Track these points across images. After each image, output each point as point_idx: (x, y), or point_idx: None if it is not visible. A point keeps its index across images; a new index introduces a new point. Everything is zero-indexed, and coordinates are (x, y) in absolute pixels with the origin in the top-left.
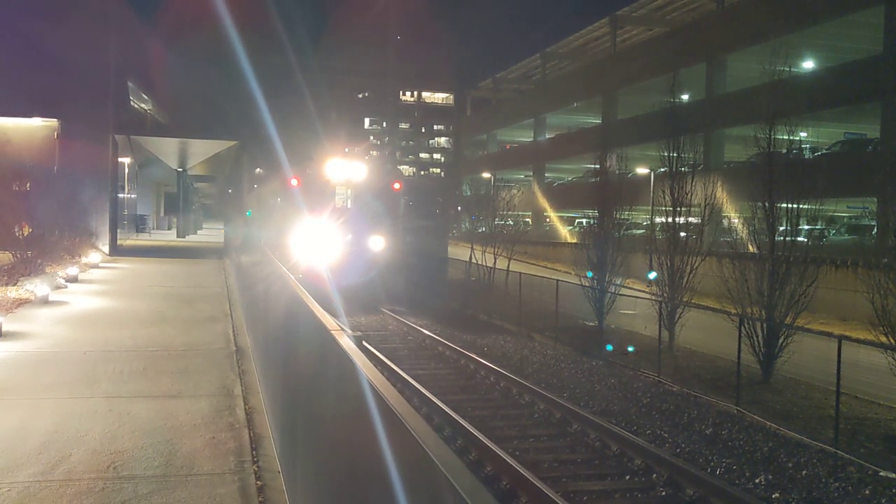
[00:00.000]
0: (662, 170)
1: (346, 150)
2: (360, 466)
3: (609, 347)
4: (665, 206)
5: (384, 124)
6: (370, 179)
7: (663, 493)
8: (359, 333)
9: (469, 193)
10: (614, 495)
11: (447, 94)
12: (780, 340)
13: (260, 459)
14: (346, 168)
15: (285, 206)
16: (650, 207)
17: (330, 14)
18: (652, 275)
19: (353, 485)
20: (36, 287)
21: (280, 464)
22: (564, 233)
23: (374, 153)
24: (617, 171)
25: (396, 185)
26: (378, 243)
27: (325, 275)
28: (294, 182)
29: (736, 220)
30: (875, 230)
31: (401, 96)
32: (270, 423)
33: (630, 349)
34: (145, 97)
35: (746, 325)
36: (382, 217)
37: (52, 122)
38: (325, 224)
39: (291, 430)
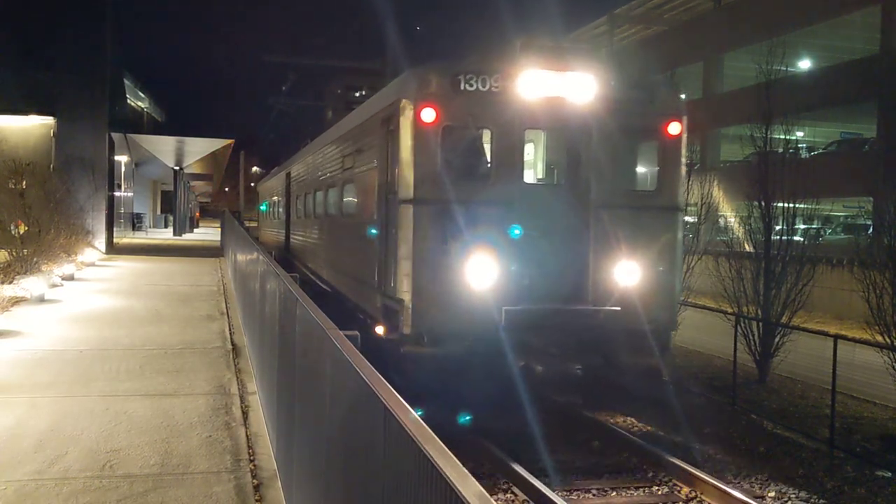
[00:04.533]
0: None
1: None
2: (357, 465)
3: None
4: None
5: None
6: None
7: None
8: (355, 332)
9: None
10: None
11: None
12: (777, 339)
13: (256, 458)
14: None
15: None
16: None
17: None
18: None
19: (349, 483)
20: (32, 285)
21: (276, 462)
22: None
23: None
24: None
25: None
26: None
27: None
28: (430, 114)
29: (732, 219)
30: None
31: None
32: (267, 422)
33: None
34: (142, 95)
35: (742, 324)
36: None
37: (49, 121)
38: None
39: (288, 428)
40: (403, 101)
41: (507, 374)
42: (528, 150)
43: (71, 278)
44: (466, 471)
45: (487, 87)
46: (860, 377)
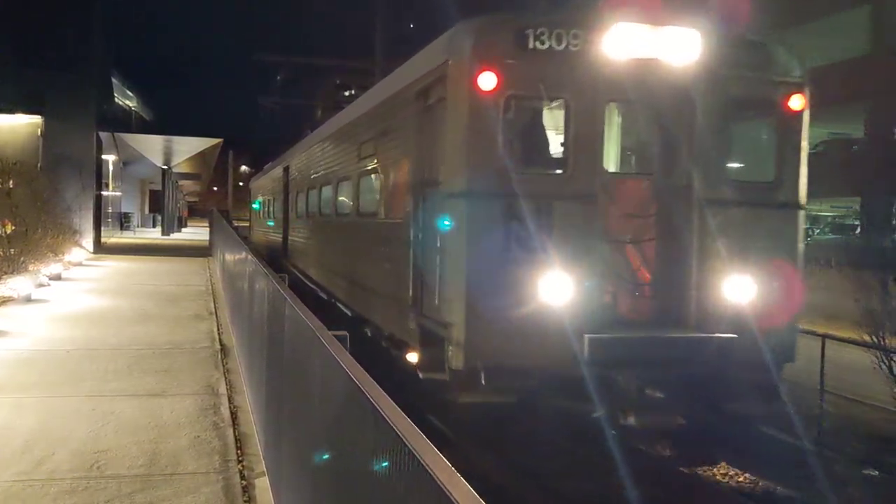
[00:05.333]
0: None
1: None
2: (346, 466)
3: None
4: None
5: None
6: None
7: None
8: (344, 333)
9: None
10: None
11: None
12: None
13: (245, 458)
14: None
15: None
16: None
17: None
18: None
19: (338, 483)
20: (19, 285)
21: (265, 462)
22: None
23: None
24: None
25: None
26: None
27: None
28: (489, 80)
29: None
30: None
31: None
32: (255, 422)
33: None
34: (130, 94)
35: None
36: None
37: (37, 119)
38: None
39: (276, 428)
40: (453, 63)
41: (588, 422)
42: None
43: (58, 278)
44: (456, 472)
45: (564, 45)
46: (849, 377)
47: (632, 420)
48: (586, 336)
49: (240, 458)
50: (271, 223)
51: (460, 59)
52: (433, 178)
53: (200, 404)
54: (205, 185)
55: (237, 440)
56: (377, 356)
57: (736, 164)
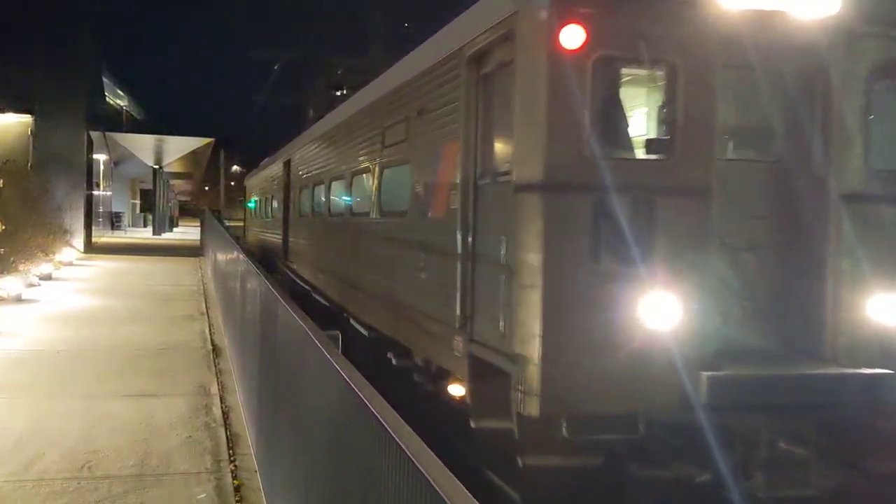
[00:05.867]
0: None
1: None
2: (338, 466)
3: None
4: None
5: None
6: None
7: None
8: (336, 332)
9: None
10: None
11: None
12: None
13: (237, 458)
14: None
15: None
16: None
17: None
18: None
19: (330, 483)
20: (8, 285)
21: (257, 462)
22: None
23: None
24: None
25: None
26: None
27: None
28: (575, 36)
29: None
30: None
31: None
32: (247, 422)
33: None
34: (121, 93)
35: None
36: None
37: (26, 118)
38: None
39: (269, 428)
40: (524, 16)
41: (706, 483)
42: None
43: (49, 278)
44: (448, 470)
45: None
46: None
47: (759, 481)
48: (704, 374)
49: (232, 459)
50: (269, 223)
51: (535, 8)
52: (491, 166)
53: (192, 405)
54: (196, 184)
55: (229, 440)
56: (406, 385)
57: (883, 150)
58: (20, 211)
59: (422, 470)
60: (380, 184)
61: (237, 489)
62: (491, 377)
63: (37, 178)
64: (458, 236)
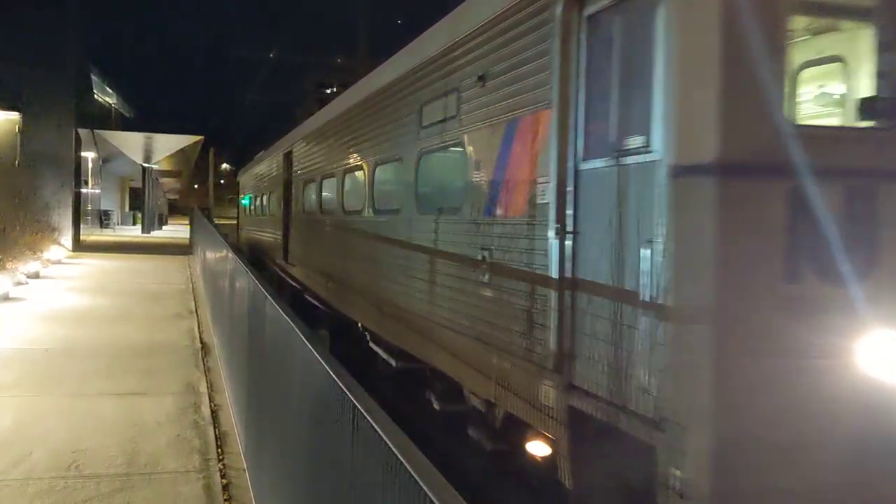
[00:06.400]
0: None
1: None
2: (326, 464)
3: None
4: None
5: None
6: None
7: None
8: (324, 331)
9: None
10: None
11: None
12: None
13: (225, 457)
14: None
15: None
16: None
17: None
18: None
19: (318, 481)
20: None
21: (245, 461)
22: None
23: None
24: None
25: None
26: None
27: None
28: None
29: None
30: None
31: None
32: (236, 421)
33: None
34: (110, 90)
35: None
36: None
37: (14, 116)
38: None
39: (257, 427)
40: None
41: None
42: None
43: (36, 276)
44: (434, 468)
45: None
46: None
47: None
48: None
49: (220, 457)
50: (266, 221)
51: None
52: (608, 142)
53: (181, 403)
54: (186, 182)
55: (218, 439)
56: (453, 437)
57: None
58: (8, 209)
59: (410, 469)
60: (416, 173)
61: (225, 488)
62: (607, 441)
63: (25, 175)
64: (551, 241)
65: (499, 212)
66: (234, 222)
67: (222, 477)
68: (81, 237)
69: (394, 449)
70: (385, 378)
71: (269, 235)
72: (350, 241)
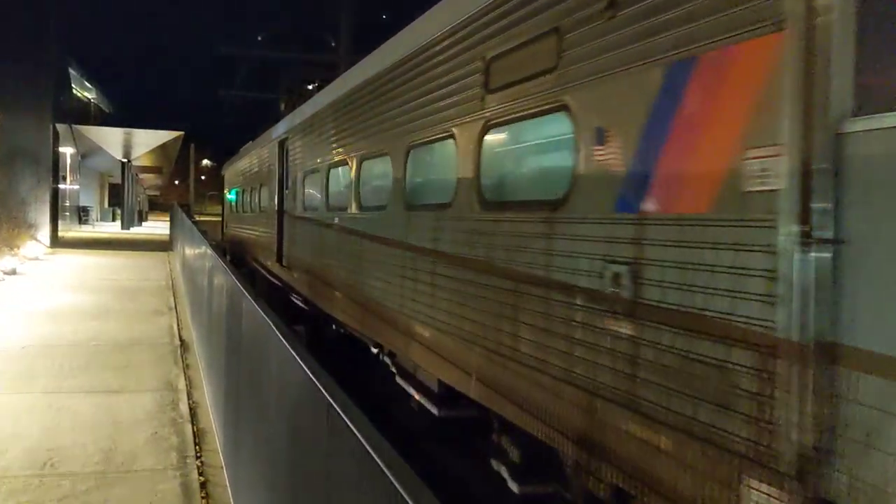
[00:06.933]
0: None
1: None
2: (302, 460)
3: None
4: None
5: None
6: None
7: None
8: (300, 328)
9: None
10: None
11: None
12: None
13: (203, 454)
14: None
15: None
16: None
17: None
18: None
19: (295, 478)
20: None
21: (223, 459)
22: None
23: None
24: None
25: None
26: None
27: None
28: None
29: None
30: None
31: None
32: (214, 418)
33: None
34: (89, 85)
35: None
36: None
37: None
38: None
39: (235, 424)
40: None
41: None
42: None
43: (13, 273)
44: (409, 467)
45: None
46: None
47: None
48: None
49: (198, 455)
50: (256, 218)
51: None
52: None
53: (159, 400)
54: (166, 179)
55: (196, 436)
56: None
57: None
58: None
59: (381, 465)
60: (478, 154)
61: (203, 485)
62: None
63: (1, 171)
64: (786, 255)
65: (651, 206)
66: (216, 219)
67: (200, 475)
68: (59, 233)
69: (367, 446)
70: (432, 429)
71: (259, 234)
72: (372, 246)
